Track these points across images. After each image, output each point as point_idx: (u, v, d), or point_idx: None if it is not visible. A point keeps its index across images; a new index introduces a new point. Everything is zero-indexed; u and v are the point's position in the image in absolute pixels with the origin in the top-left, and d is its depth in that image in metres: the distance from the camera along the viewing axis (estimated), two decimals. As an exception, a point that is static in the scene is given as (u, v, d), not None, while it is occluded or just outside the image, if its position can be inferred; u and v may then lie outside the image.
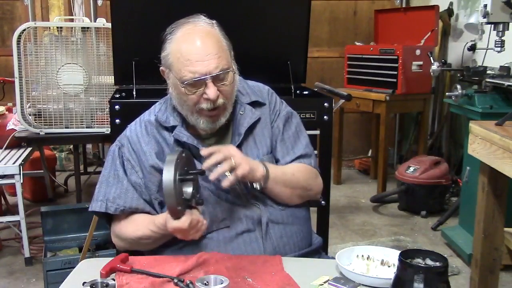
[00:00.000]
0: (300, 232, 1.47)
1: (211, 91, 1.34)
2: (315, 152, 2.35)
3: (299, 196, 1.47)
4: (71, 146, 4.49)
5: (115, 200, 1.42)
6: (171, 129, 1.45)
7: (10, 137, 3.07)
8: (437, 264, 1.03)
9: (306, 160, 1.52)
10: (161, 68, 1.44)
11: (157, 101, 1.58)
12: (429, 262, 1.05)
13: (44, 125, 2.95)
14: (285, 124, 1.54)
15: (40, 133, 2.96)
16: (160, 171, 1.35)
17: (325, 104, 2.33)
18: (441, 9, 4.15)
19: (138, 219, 1.43)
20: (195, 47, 1.34)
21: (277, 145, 1.51)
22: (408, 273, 1.00)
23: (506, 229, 2.22)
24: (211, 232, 1.38)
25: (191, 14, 1.45)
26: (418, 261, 1.05)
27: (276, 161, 1.50)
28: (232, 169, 1.30)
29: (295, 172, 1.46)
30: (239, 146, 1.44)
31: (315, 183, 1.53)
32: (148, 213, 1.44)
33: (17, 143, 3.15)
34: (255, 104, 1.52)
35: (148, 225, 1.38)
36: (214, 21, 1.43)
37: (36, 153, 3.59)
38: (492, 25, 2.61)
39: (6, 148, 3.14)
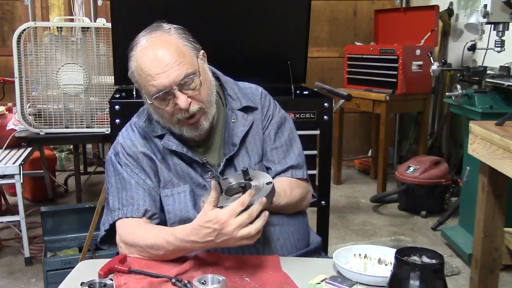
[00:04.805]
0: (297, 232, 1.45)
1: (181, 100, 1.30)
2: (315, 152, 2.38)
3: (290, 210, 1.45)
4: (71, 146, 4.50)
5: (129, 201, 1.36)
6: (160, 136, 1.42)
7: (10, 137, 3.07)
8: (433, 261, 1.04)
9: (298, 171, 1.48)
10: (135, 85, 1.41)
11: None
12: (425, 259, 1.05)
13: (44, 125, 2.95)
14: (278, 132, 1.49)
15: (40, 133, 2.96)
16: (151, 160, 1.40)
17: (325, 104, 2.34)
18: (441, 9, 4.15)
19: (149, 227, 1.35)
20: (152, 61, 1.29)
21: (268, 153, 1.47)
22: (404, 270, 1.00)
23: (506, 229, 2.21)
24: None
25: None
26: (415, 258, 1.05)
27: (267, 169, 1.46)
28: None
29: (293, 188, 1.43)
30: (232, 157, 1.41)
31: (306, 199, 1.50)
32: (153, 216, 1.38)
33: (17, 143, 3.15)
34: (247, 109, 1.46)
35: (164, 235, 1.27)
36: (171, 26, 1.36)
37: (36, 153, 3.59)
38: (492, 25, 2.61)
39: (6, 148, 3.14)
